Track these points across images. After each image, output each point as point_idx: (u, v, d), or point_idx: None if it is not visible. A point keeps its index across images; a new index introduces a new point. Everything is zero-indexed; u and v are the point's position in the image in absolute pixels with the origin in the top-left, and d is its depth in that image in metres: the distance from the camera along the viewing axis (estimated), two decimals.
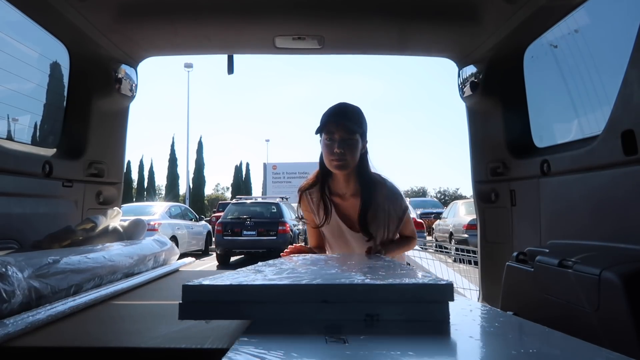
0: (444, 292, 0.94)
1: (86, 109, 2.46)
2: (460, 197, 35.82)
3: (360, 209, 1.84)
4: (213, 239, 13.63)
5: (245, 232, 11.54)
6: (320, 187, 1.90)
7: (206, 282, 1.00)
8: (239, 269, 1.26)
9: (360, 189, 1.85)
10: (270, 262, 1.48)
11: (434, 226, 15.01)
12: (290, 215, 12.21)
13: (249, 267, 1.30)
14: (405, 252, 2.16)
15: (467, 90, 2.61)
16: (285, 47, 2.45)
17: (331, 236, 1.95)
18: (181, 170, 40.08)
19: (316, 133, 1.80)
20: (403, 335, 0.89)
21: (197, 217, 14.41)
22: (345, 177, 1.85)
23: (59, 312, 1.22)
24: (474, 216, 2.90)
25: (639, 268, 1.28)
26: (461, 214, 12.28)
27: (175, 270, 2.29)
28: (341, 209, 1.89)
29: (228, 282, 1.00)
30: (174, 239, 10.89)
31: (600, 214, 1.70)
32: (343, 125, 1.74)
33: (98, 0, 2.02)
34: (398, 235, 1.98)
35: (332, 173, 1.86)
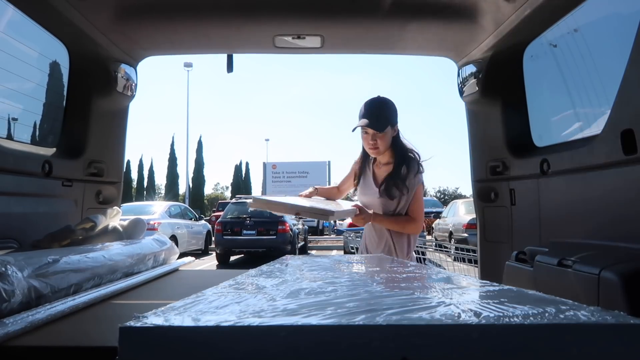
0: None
1: (86, 109, 2.46)
2: (460, 197, 35.84)
3: (388, 176, 2.23)
4: (213, 239, 13.64)
5: (245, 232, 11.55)
6: (362, 159, 2.38)
7: (168, 317, 0.60)
8: (221, 285, 0.91)
9: (392, 161, 2.26)
10: (265, 268, 1.20)
11: (433, 225, 15.02)
12: (289, 215, 12.20)
13: (241, 279, 0.98)
14: (412, 249, 2.31)
15: (467, 90, 2.61)
16: (285, 47, 2.45)
17: (361, 191, 2.37)
18: (181, 170, 40.14)
19: (352, 131, 2.20)
20: None
21: (197, 216, 14.41)
22: (384, 154, 2.27)
23: (59, 311, 1.22)
24: (474, 215, 2.90)
25: (638, 267, 1.29)
26: (461, 213, 12.28)
27: (175, 270, 2.29)
28: (376, 174, 2.32)
29: (212, 323, 0.56)
30: (173, 238, 10.89)
31: (600, 213, 1.70)
32: (374, 125, 2.14)
33: (98, 0, 2.02)
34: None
35: None
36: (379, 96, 2.25)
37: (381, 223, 2.24)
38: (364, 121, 2.16)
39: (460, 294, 0.78)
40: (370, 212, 2.22)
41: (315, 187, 2.50)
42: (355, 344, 0.52)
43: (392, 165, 2.25)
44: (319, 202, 2.27)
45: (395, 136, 2.24)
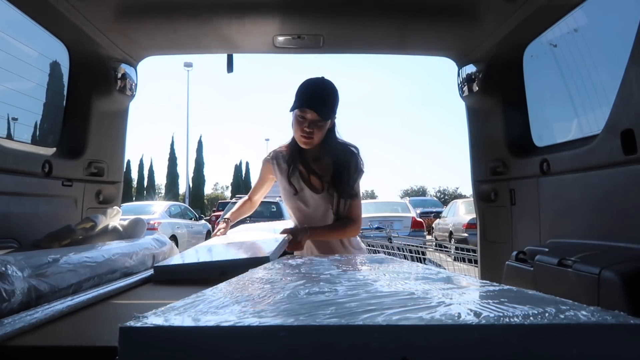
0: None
1: (86, 109, 2.46)
2: (460, 196, 35.84)
3: (333, 172, 1.97)
4: None
5: None
6: (291, 155, 2.03)
7: (168, 317, 0.60)
8: (221, 285, 0.90)
9: (330, 156, 1.99)
10: (265, 268, 1.19)
11: (433, 225, 15.03)
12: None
13: (241, 279, 0.97)
14: (357, 238, 2.14)
15: (467, 90, 2.61)
16: (285, 47, 2.45)
17: (290, 194, 2.04)
18: (181, 170, 40.18)
19: (291, 111, 1.90)
20: None
21: (197, 216, 14.41)
22: (315, 147, 1.98)
23: (58, 311, 1.22)
24: (474, 215, 2.90)
25: (639, 267, 1.28)
26: (461, 213, 12.28)
27: None
28: (304, 173, 2.03)
29: (212, 323, 0.56)
30: (173, 238, 10.90)
31: (600, 213, 1.70)
32: (316, 109, 1.85)
33: (98, 0, 2.02)
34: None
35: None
36: (323, 77, 1.95)
37: (321, 237, 1.97)
38: (308, 103, 1.84)
39: (460, 294, 0.78)
40: (304, 229, 1.92)
41: (225, 218, 2.14)
42: (355, 344, 0.52)
43: (330, 162, 1.97)
44: (239, 245, 1.85)
45: (331, 128, 1.96)
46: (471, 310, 0.60)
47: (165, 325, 0.57)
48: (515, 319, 0.56)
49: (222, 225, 2.13)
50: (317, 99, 1.86)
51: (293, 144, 2.01)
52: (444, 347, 0.52)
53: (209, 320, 0.58)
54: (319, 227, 1.96)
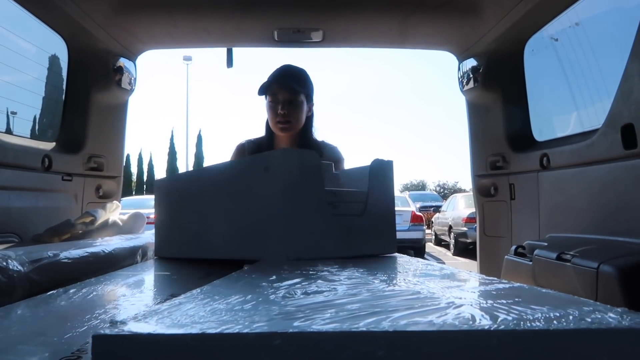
0: None
1: (85, 103, 2.46)
2: (460, 191, 35.81)
3: None
4: None
5: None
6: (266, 148, 1.84)
7: (149, 322, 0.51)
8: (214, 282, 0.82)
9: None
10: (261, 265, 1.10)
11: (433, 219, 15.04)
12: None
13: (235, 276, 0.89)
14: None
15: (467, 84, 2.61)
16: (285, 41, 2.44)
17: None
18: (180, 164, 40.08)
19: (259, 94, 1.76)
20: None
21: None
22: (289, 140, 1.80)
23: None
24: (473, 209, 2.90)
25: (637, 261, 1.29)
26: (460, 207, 12.30)
27: None
28: None
29: (197, 330, 0.50)
30: None
31: (599, 207, 1.70)
32: (286, 86, 1.72)
33: None
34: None
35: (276, 135, 1.81)
36: (290, 64, 1.82)
37: None
38: (278, 81, 1.72)
39: (468, 293, 0.73)
40: None
41: None
42: (359, 352, 0.47)
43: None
44: None
45: (309, 117, 1.80)
46: (486, 313, 0.54)
47: (144, 333, 0.49)
48: (537, 323, 0.50)
49: None
50: (286, 77, 1.74)
51: (267, 136, 1.82)
52: (459, 356, 0.47)
53: (194, 326, 0.52)
54: None
